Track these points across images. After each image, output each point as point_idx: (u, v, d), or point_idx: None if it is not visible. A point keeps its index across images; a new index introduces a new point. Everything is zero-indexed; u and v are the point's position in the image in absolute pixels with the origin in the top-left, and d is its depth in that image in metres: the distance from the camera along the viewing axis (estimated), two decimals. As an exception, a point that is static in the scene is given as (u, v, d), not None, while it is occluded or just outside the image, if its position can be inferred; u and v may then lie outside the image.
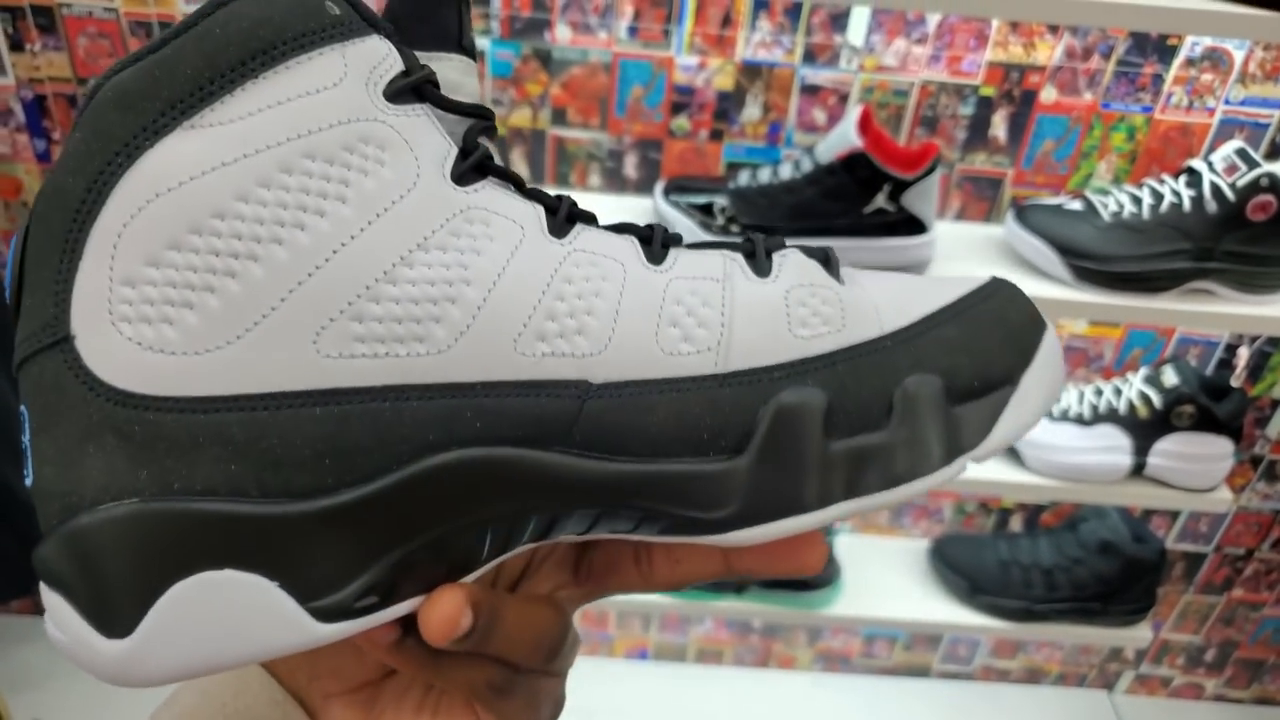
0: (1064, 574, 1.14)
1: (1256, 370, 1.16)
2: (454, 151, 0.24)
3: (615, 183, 1.03)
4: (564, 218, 0.25)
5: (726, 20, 0.95)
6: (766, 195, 0.86)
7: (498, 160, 0.26)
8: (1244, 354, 1.14)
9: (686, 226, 0.87)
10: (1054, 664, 1.47)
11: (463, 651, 0.25)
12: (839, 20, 0.94)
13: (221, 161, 0.22)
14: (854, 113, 0.84)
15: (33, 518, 1.04)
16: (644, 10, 0.94)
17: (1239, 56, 0.94)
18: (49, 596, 0.22)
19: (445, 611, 0.23)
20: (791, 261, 0.27)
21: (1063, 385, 0.27)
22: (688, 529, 0.25)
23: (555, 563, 0.30)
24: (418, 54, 0.25)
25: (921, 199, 0.85)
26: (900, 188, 0.84)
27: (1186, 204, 0.87)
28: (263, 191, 0.22)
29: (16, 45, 0.96)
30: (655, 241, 0.26)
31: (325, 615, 0.22)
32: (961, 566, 1.18)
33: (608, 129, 1.00)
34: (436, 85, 0.25)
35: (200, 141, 0.22)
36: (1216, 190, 0.87)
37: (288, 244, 0.22)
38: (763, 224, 0.86)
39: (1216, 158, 0.88)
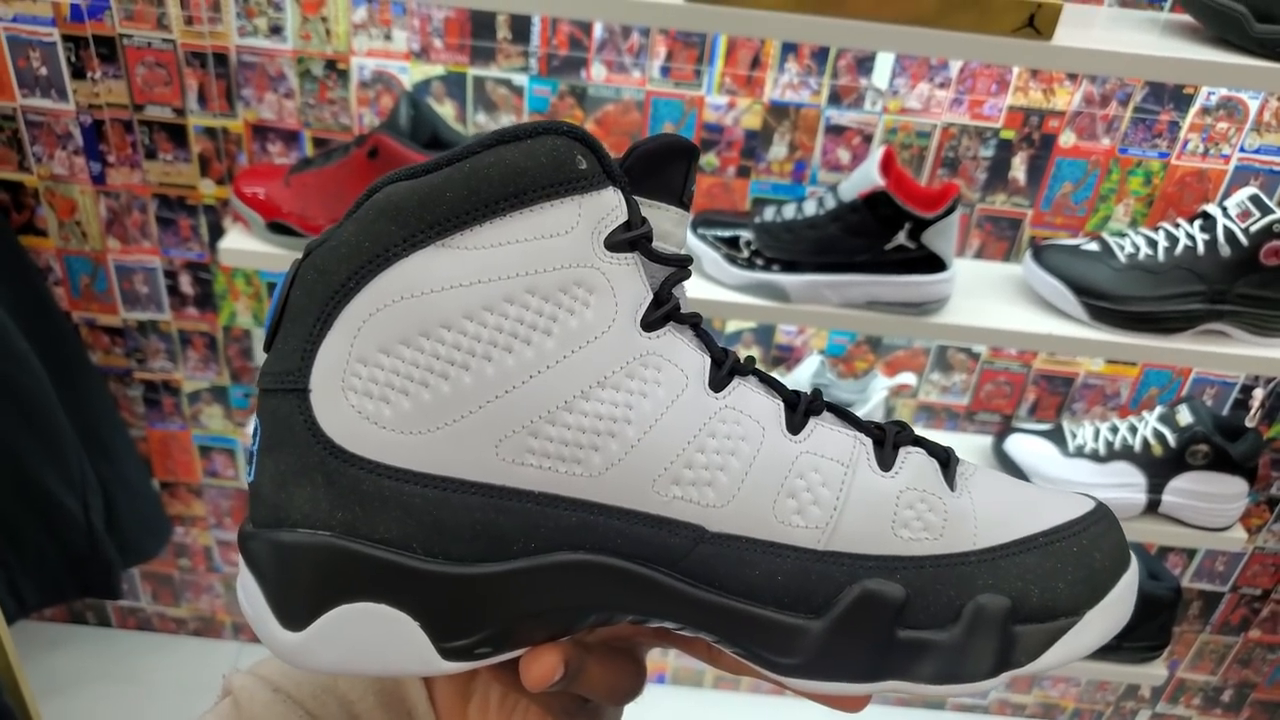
0: (1079, 609, 1.15)
1: (1273, 411, 1.17)
2: (649, 299, 0.28)
3: (644, 215, 1.07)
4: (726, 372, 0.29)
5: (756, 62, 0.98)
6: (791, 230, 0.89)
7: (684, 306, 0.29)
8: (1259, 395, 1.16)
9: (713, 259, 0.90)
10: (1070, 700, 1.47)
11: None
12: (864, 64, 0.98)
13: (461, 282, 0.26)
14: (877, 153, 0.87)
15: (75, 529, 1.08)
16: (676, 51, 0.98)
17: (1254, 106, 0.97)
18: (247, 577, 0.27)
19: (543, 668, 0.28)
20: (913, 462, 0.29)
21: (1126, 620, 0.29)
22: (756, 660, 0.29)
23: None
24: (641, 202, 0.28)
25: (941, 237, 0.88)
26: (921, 226, 0.87)
27: (1201, 247, 0.90)
28: (487, 315, 0.26)
29: (79, 73, 1.01)
30: (799, 410, 0.29)
31: (449, 654, 0.27)
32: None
33: (638, 163, 1.04)
34: (650, 239, 0.28)
35: (448, 260, 0.26)
36: (1230, 235, 0.89)
37: (495, 363, 0.26)
38: (787, 258, 0.89)
39: (1231, 203, 0.90)
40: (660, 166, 0.28)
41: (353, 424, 0.26)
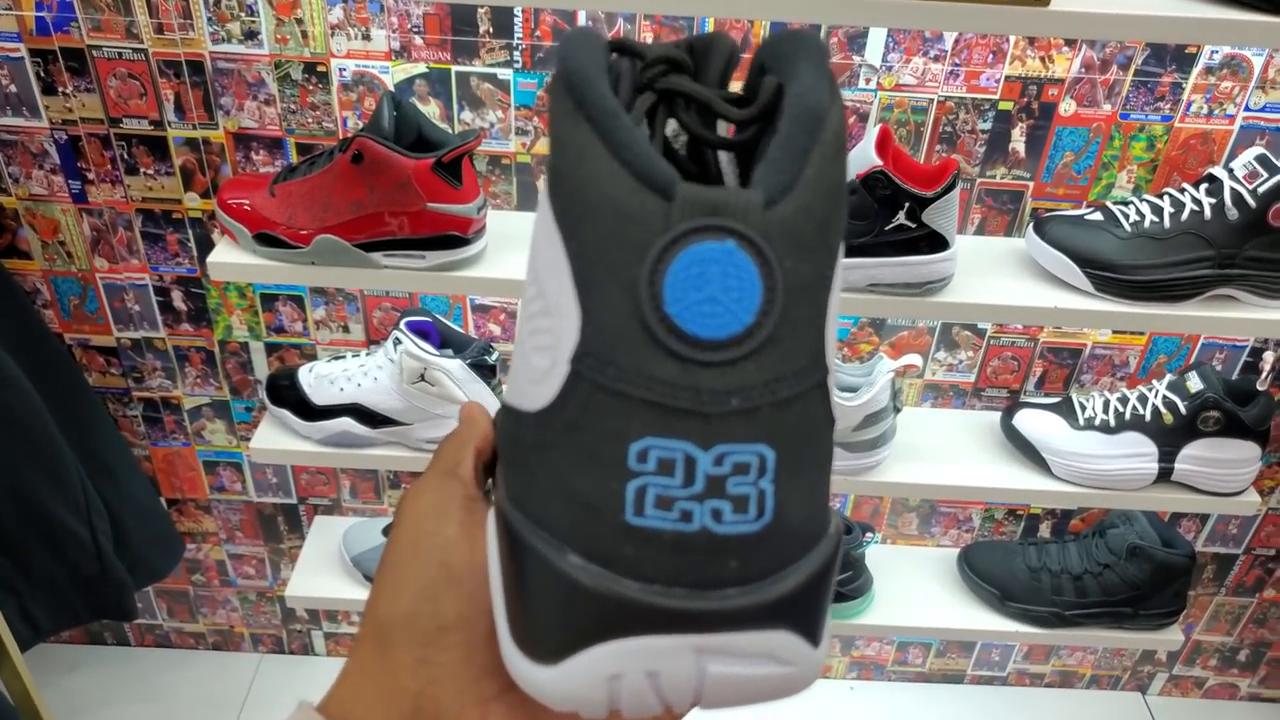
0: (1094, 579, 1.15)
1: (1283, 372, 1.16)
2: None
3: (638, 206, 1.05)
4: None
5: (745, 44, 0.96)
6: (789, 217, 0.87)
7: None
8: (1269, 358, 1.14)
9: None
10: (1087, 668, 1.47)
11: None
12: (856, 40, 0.95)
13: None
14: (873, 131, 0.85)
15: (84, 552, 1.07)
16: (663, 37, 0.95)
17: (1258, 63, 0.94)
18: (767, 639, 0.21)
19: None
20: None
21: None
22: None
23: None
24: None
25: (942, 215, 0.86)
26: (921, 204, 0.85)
27: (1208, 212, 0.88)
28: None
29: (49, 88, 0.99)
30: None
31: None
32: (991, 574, 1.19)
33: (629, 153, 1.02)
34: None
35: None
36: (1238, 197, 0.87)
37: None
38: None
39: (1237, 165, 0.88)
40: None
41: (833, 392, 0.23)
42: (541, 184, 0.23)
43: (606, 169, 0.20)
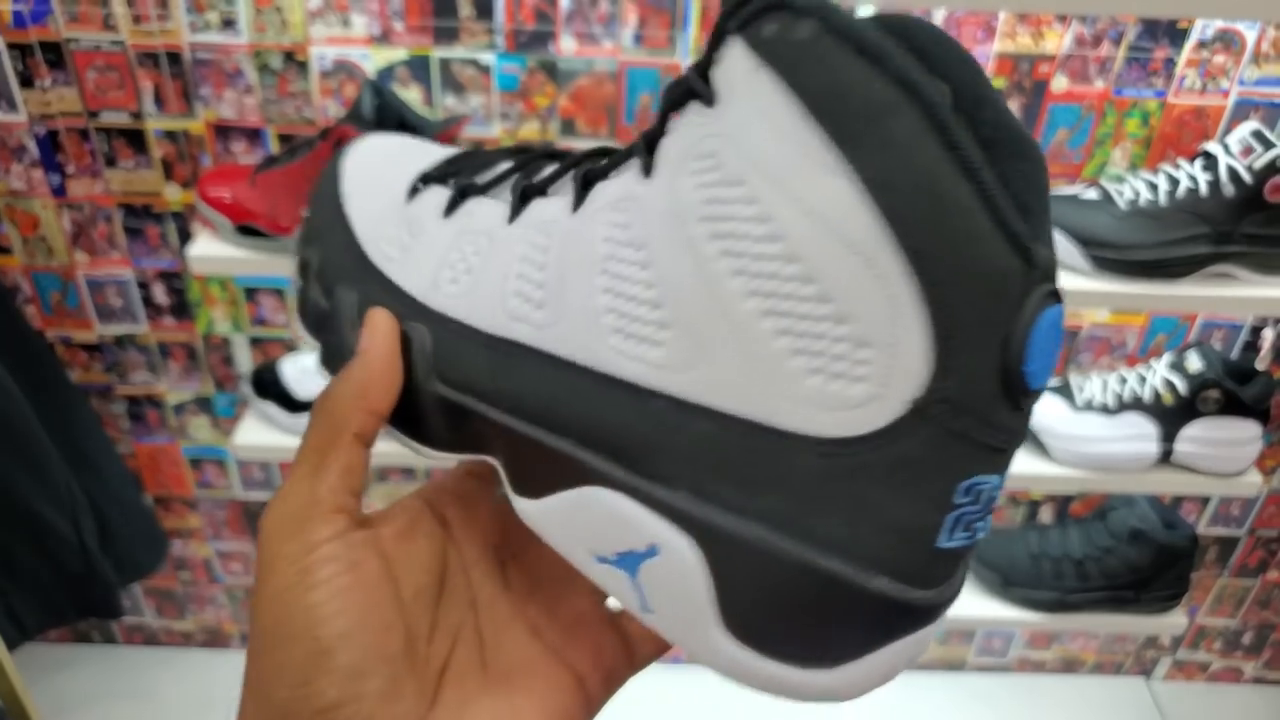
0: (1095, 564, 1.13)
1: (1283, 350, 1.14)
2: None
3: (626, 191, 1.03)
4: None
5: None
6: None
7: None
8: (1269, 336, 1.13)
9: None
10: (1090, 653, 1.46)
11: None
12: (844, 19, 0.94)
13: None
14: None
15: (69, 551, 1.06)
16: (648, 18, 0.94)
17: (1251, 37, 0.93)
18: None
19: None
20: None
21: None
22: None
23: None
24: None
25: (935, 196, 0.84)
26: (913, 185, 0.83)
27: (1204, 188, 0.86)
28: None
29: (26, 82, 0.97)
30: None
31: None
32: (992, 560, 1.17)
33: (617, 137, 1.00)
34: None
35: None
36: (1233, 173, 0.85)
37: None
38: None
39: (1232, 140, 0.86)
40: None
41: None
42: (848, 199, 0.20)
43: (987, 230, 0.20)
